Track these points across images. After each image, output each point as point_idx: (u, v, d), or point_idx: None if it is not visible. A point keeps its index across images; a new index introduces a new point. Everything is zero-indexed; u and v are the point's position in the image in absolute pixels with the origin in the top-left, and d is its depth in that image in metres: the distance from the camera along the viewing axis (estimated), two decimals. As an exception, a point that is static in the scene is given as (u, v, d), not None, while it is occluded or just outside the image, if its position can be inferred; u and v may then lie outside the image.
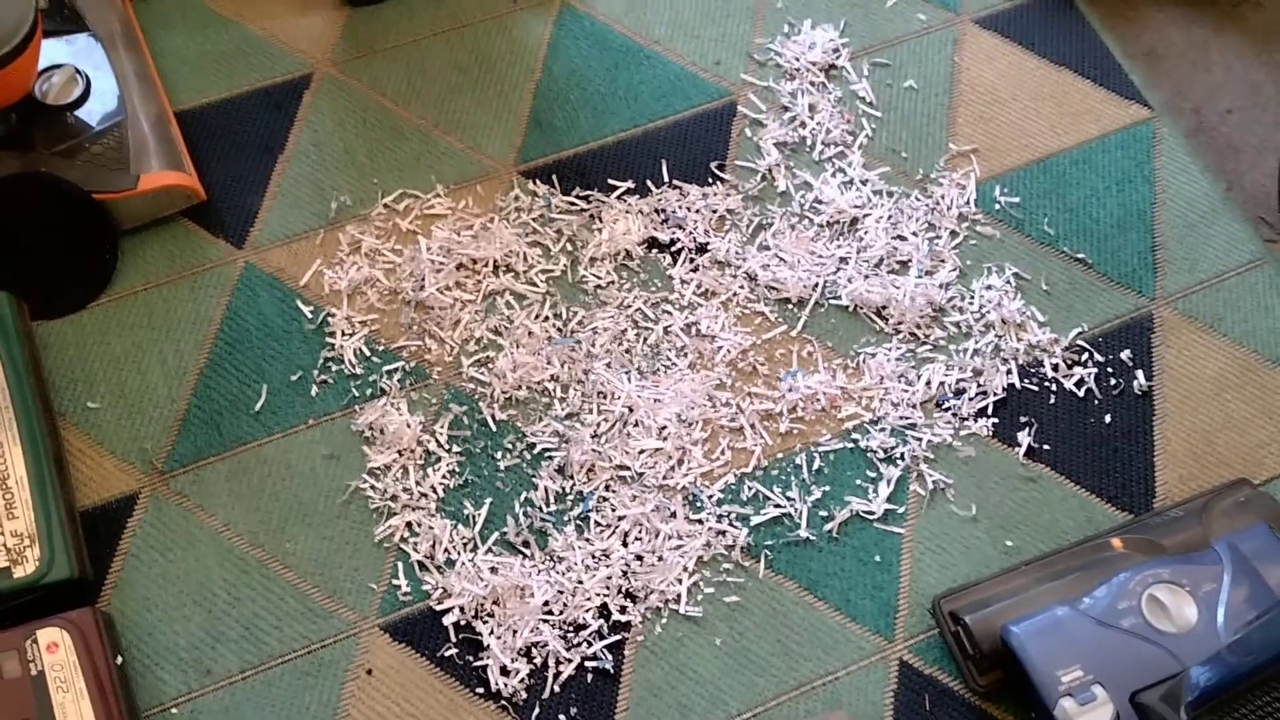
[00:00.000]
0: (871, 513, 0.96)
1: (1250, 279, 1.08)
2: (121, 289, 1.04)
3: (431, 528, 0.94)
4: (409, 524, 0.94)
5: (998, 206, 1.11)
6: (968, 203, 1.11)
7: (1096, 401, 1.02)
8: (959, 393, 1.01)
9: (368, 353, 1.02)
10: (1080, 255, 1.09)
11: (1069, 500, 0.97)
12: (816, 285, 1.06)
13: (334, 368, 1.01)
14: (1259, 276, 1.08)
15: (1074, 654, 0.83)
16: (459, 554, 0.93)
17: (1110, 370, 1.03)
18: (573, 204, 1.10)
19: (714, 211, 1.09)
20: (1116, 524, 0.95)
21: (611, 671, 0.89)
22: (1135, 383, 1.02)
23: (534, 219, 1.09)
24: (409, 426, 0.98)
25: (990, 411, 1.01)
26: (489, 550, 0.93)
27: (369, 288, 1.05)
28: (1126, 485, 0.98)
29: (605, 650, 0.90)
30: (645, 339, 1.03)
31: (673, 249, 1.08)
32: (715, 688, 0.89)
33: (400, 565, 0.93)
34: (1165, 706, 0.78)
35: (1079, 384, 1.02)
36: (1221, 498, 0.93)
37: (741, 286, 1.06)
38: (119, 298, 1.04)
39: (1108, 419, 1.01)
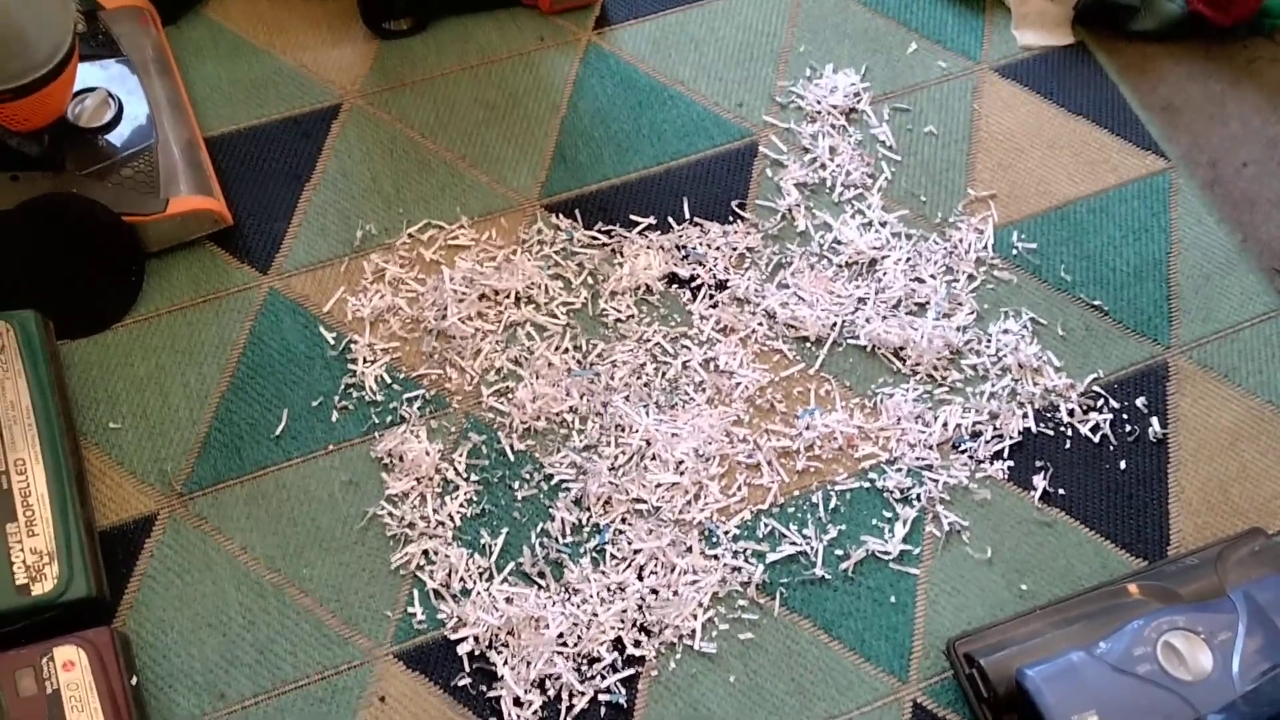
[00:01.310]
0: (887, 553, 0.96)
1: (1265, 331, 1.09)
2: (146, 311, 1.05)
3: (448, 556, 0.94)
4: (425, 552, 0.95)
5: (1015, 252, 1.12)
6: (985, 247, 1.12)
7: (1112, 448, 1.02)
8: (975, 435, 1.02)
9: (389, 380, 1.02)
10: (1097, 302, 1.09)
11: (1084, 546, 0.97)
12: (835, 324, 1.07)
13: (355, 394, 1.02)
14: (1274, 329, 1.09)
15: (1090, 699, 0.83)
16: (475, 583, 0.93)
17: (1126, 417, 1.04)
18: (595, 238, 1.11)
19: (734, 249, 1.10)
20: (1132, 570, 0.96)
21: (624, 706, 0.89)
22: (1150, 430, 1.03)
23: (556, 252, 1.10)
24: (428, 454, 0.98)
25: (1006, 455, 1.01)
26: (504, 580, 0.94)
27: (392, 316, 1.05)
28: (1141, 532, 0.98)
29: (619, 684, 0.90)
30: (664, 373, 1.04)
31: (693, 285, 1.09)
32: (728, 725, 0.89)
33: (416, 593, 0.93)
34: (1181, 754, 0.78)
35: (1094, 430, 1.03)
36: (1236, 547, 0.93)
37: (760, 324, 1.07)
38: (144, 320, 1.05)
39: (1123, 465, 1.01)
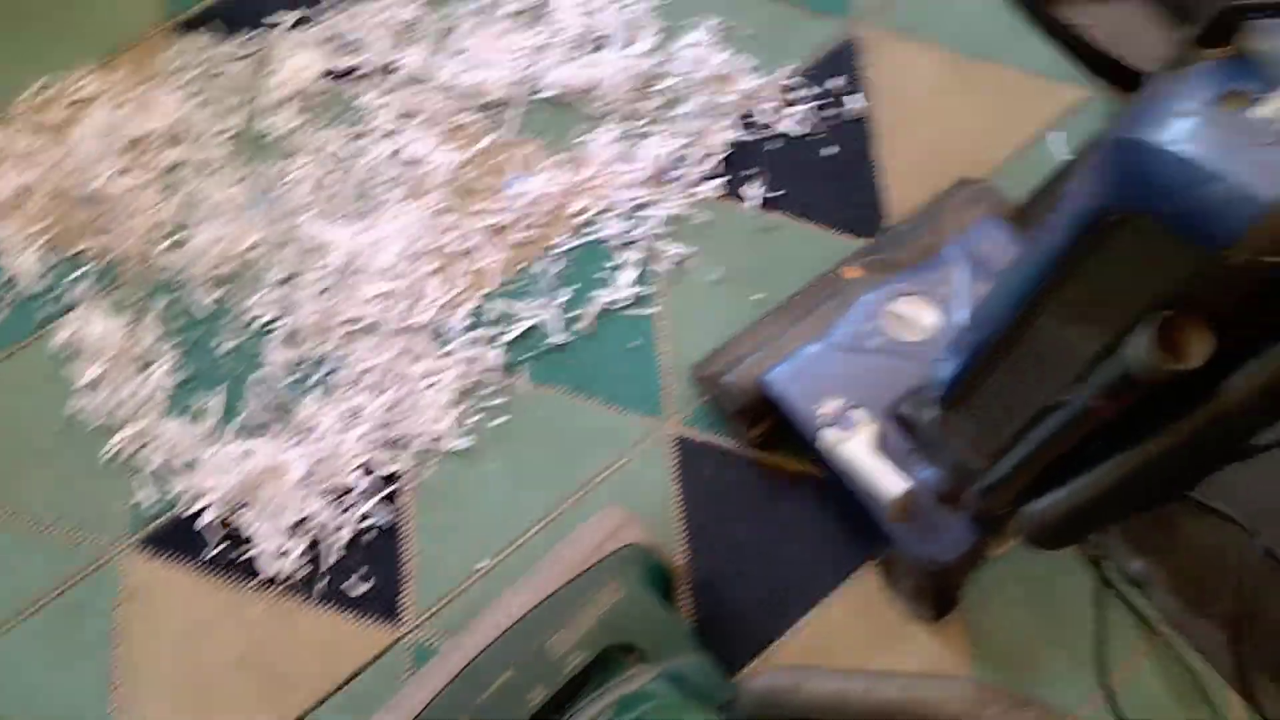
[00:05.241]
0: (620, 301, 0.94)
1: (941, -20, 1.07)
2: None
3: (164, 432, 0.87)
4: (139, 434, 0.87)
5: (686, -42, 1.06)
6: (655, -39, 1.05)
7: (819, 136, 1.00)
8: (683, 160, 0.98)
9: (46, 267, 0.92)
10: (776, -10, 1.05)
11: (809, 240, 0.97)
12: (517, 81, 1.00)
13: (11, 291, 0.91)
14: (949, -25, 1.07)
15: (830, 386, 0.83)
16: (201, 451, 0.87)
17: (827, 101, 1.01)
18: (237, 51, 0.99)
19: (392, 27, 1.01)
20: (855, 251, 0.95)
21: (392, 526, 0.86)
22: (853, 107, 1.01)
23: (197, 76, 0.98)
24: (112, 333, 0.89)
25: (718, 172, 0.98)
26: (233, 440, 0.88)
27: (30, 195, 0.94)
28: (860, 212, 0.98)
29: (379, 505, 0.87)
30: (349, 179, 0.96)
31: (357, 75, 0.99)
32: (502, 511, 0.87)
33: (139, 479, 0.86)
34: (918, 410, 0.79)
35: (800, 123, 1.00)
36: (947, 199, 0.93)
37: (440, 100, 0.99)
38: None
39: (834, 151, 0.99)
